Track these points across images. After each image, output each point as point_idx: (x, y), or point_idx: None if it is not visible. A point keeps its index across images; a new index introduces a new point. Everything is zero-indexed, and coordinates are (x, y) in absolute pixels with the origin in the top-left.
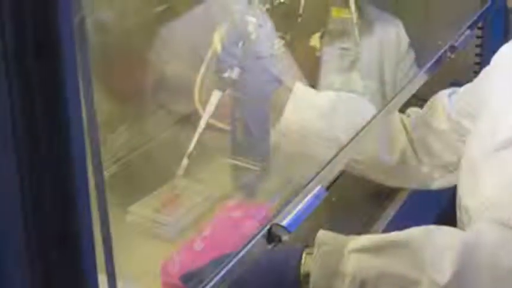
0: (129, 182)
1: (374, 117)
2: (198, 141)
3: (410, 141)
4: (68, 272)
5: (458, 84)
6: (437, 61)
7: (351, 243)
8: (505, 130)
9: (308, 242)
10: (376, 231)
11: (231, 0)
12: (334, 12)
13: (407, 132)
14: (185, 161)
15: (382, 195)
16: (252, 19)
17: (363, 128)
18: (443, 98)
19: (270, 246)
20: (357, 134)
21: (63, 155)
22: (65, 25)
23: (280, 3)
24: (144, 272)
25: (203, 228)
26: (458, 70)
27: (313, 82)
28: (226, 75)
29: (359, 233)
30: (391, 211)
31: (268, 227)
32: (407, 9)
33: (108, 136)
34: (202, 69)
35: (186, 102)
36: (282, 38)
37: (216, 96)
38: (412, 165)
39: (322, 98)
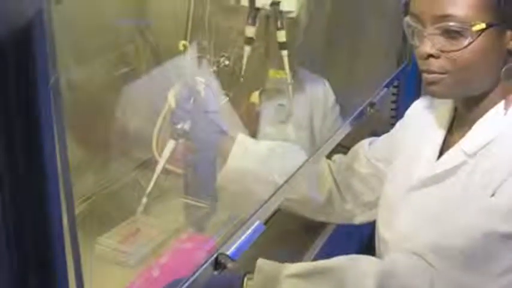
0: (97, 217)
1: (305, 162)
2: (156, 183)
3: (336, 183)
4: None
5: (377, 134)
6: (359, 115)
7: (285, 270)
8: (417, 173)
9: (249, 269)
10: (307, 259)
11: (183, 63)
12: (271, 73)
13: (333, 175)
14: (144, 200)
15: (312, 229)
16: (201, 79)
17: (296, 171)
18: (364, 146)
19: (216, 273)
20: (290, 177)
21: (41, 195)
22: (42, 85)
23: (225, 65)
24: None
25: (160, 257)
26: (376, 122)
27: (253, 133)
28: (179, 126)
29: (292, 261)
30: (319, 242)
31: (215, 256)
32: (333, 71)
33: (79, 178)
34: (159, 122)
35: (145, 150)
36: (227, 95)
37: (170, 144)
38: (337, 203)
39: (261, 147)
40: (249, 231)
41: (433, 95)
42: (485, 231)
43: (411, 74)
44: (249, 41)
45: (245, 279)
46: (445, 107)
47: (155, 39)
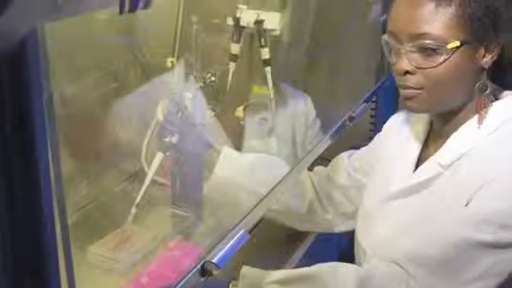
0: (88, 227)
1: (287, 174)
2: (145, 194)
3: (317, 194)
4: None
5: (356, 147)
6: (339, 128)
7: (268, 277)
8: (394, 185)
9: (234, 276)
10: (289, 267)
11: (171, 79)
12: (255, 89)
13: (314, 187)
14: (134, 210)
15: (294, 237)
16: (188, 94)
17: (278, 183)
18: (343, 158)
19: (203, 279)
20: (273, 188)
21: (35, 205)
22: (36, 101)
23: (211, 81)
24: None
25: (149, 264)
26: (356, 136)
27: (238, 145)
28: (167, 139)
29: (275, 268)
30: (301, 250)
31: (201, 263)
32: (315, 86)
33: (71, 189)
34: (148, 135)
35: (135, 162)
36: (213, 109)
37: (159, 157)
38: (318, 213)
39: (245, 159)
40: (234, 239)
41: (410, 109)
42: (460, 239)
43: (389, 90)
44: (234, 58)
45: (230, 285)
46: (421, 121)
47: (144, 56)
